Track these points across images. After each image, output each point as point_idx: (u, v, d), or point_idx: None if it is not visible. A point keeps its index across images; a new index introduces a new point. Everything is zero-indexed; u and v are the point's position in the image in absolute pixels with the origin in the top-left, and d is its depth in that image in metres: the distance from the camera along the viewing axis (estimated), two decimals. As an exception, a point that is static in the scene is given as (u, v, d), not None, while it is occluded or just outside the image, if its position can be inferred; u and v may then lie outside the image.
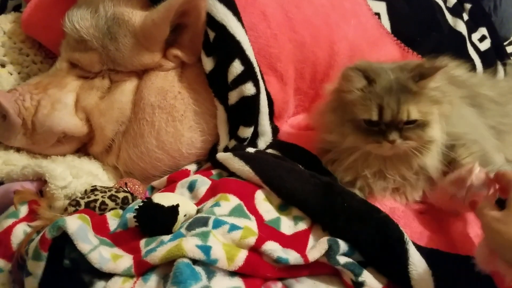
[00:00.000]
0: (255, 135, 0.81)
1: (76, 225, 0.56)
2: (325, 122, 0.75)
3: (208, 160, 0.81)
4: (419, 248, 0.60)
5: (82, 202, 0.66)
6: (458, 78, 0.83)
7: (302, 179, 0.66)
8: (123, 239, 0.61)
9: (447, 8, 1.14)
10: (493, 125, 0.77)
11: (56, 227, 0.56)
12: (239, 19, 0.75)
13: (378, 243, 0.58)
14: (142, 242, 0.58)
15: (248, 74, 0.75)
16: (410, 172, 0.71)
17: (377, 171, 0.72)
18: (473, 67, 1.05)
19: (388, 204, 0.71)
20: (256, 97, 0.76)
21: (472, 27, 1.16)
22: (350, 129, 0.70)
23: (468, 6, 1.20)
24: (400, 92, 0.66)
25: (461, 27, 1.12)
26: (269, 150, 0.81)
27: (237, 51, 0.74)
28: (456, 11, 1.14)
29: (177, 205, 0.59)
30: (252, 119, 0.78)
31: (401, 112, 0.66)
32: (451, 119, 0.71)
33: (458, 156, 0.70)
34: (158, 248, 0.54)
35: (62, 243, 0.56)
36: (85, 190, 0.70)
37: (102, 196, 0.67)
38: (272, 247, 0.58)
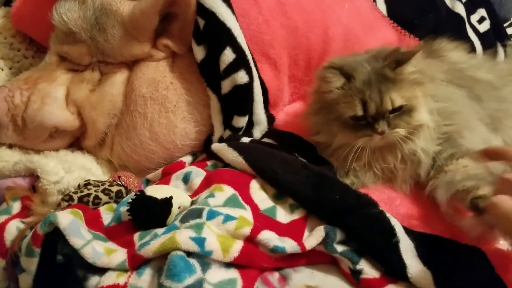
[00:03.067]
0: (250, 124, 0.80)
1: (68, 220, 0.55)
2: (311, 125, 0.75)
3: (203, 151, 0.80)
4: (418, 234, 0.59)
5: (75, 196, 0.65)
6: (453, 65, 0.81)
7: (294, 170, 0.65)
8: (117, 233, 0.60)
9: (445, -11, 1.12)
10: (489, 113, 0.76)
11: (47, 222, 0.55)
12: (229, 5, 0.73)
13: (369, 238, 0.57)
14: (136, 235, 0.57)
15: (240, 62, 0.73)
16: (397, 161, 0.70)
17: (365, 163, 0.71)
18: (473, 49, 1.03)
19: (387, 192, 0.70)
20: (249, 86, 0.75)
21: (470, 9, 1.13)
22: (337, 128, 0.69)
23: (466, -13, 1.17)
24: (379, 82, 0.65)
25: (460, 9, 1.09)
26: (265, 139, 0.80)
27: (228, 38, 0.72)
28: (454, -7, 1.12)
29: (171, 198, 0.58)
30: (246, 108, 0.77)
31: (384, 102, 0.65)
32: (439, 97, 0.71)
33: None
34: (152, 242, 0.53)
35: (54, 238, 0.55)
36: (78, 185, 0.69)
37: (95, 190, 0.66)
38: (268, 236, 0.57)
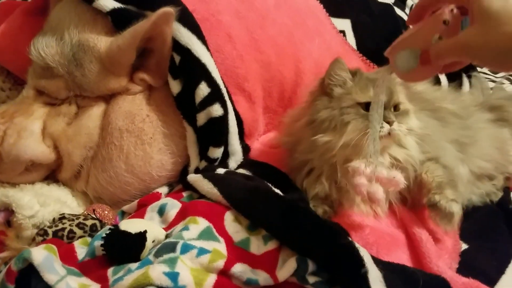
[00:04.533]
0: (226, 155, 0.82)
1: (42, 256, 0.56)
2: (318, 122, 0.75)
3: (179, 182, 0.81)
4: (386, 264, 0.61)
5: (50, 231, 0.65)
6: (419, 95, 0.85)
7: (267, 202, 0.67)
8: (91, 267, 0.60)
9: (412, 22, 1.17)
10: (455, 138, 0.79)
11: (21, 258, 0.55)
12: (204, 42, 0.76)
13: (338, 268, 0.59)
14: (110, 270, 0.58)
15: (215, 95, 0.76)
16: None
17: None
18: (438, 80, 1.08)
19: (358, 221, 0.72)
20: (224, 118, 0.77)
21: (437, 41, 1.18)
22: (350, 116, 0.71)
23: (433, 19, 1.23)
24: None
25: (426, 41, 1.14)
26: (240, 170, 0.82)
27: (203, 73, 0.75)
28: (421, 25, 1.17)
29: (145, 232, 0.59)
30: (221, 140, 0.79)
31: (394, 92, 0.72)
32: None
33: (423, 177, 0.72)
34: (125, 277, 0.54)
35: (28, 274, 0.55)
36: (53, 219, 0.69)
37: (70, 225, 0.66)
38: (241, 269, 0.58)
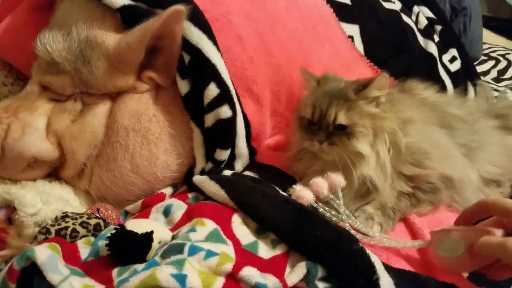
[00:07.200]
0: (232, 157, 0.80)
1: (46, 255, 0.54)
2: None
3: (184, 183, 0.80)
4: (397, 271, 0.61)
5: (52, 229, 0.64)
6: (427, 100, 0.85)
7: (275, 205, 0.66)
8: (95, 268, 0.58)
9: (419, 30, 1.18)
10: (463, 143, 0.79)
11: (24, 257, 0.54)
12: (214, 42, 0.74)
13: (349, 275, 0.58)
14: (115, 271, 0.56)
15: (224, 97, 0.74)
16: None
17: None
18: (444, 88, 1.08)
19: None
20: (232, 120, 0.76)
21: (442, 48, 1.19)
22: (296, 126, 0.76)
23: (438, 27, 1.24)
24: (335, 97, 0.71)
25: (432, 49, 1.15)
26: (246, 172, 0.80)
27: (213, 74, 0.73)
28: (427, 33, 1.18)
29: (151, 232, 0.58)
30: (229, 142, 0.78)
31: (328, 114, 0.70)
32: (413, 133, 0.74)
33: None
34: (131, 278, 0.52)
35: (31, 274, 0.54)
36: (56, 217, 0.67)
37: (73, 223, 0.65)
38: (250, 273, 0.56)
